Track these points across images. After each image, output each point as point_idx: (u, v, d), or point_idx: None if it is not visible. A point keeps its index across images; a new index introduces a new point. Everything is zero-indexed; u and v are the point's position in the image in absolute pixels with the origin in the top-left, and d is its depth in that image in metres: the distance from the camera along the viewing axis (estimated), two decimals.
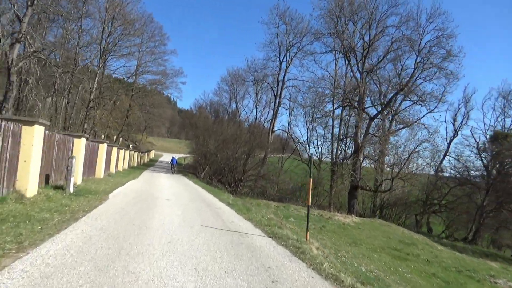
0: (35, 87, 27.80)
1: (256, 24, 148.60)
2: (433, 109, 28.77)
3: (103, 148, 17.84)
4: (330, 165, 40.02)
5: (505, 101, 39.01)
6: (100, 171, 17.29)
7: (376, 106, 30.80)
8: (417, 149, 30.87)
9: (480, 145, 34.09)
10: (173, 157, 39.90)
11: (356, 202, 31.47)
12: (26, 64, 24.46)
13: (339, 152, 39.26)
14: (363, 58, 31.18)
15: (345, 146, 40.17)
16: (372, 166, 34.98)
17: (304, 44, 43.80)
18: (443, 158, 37.51)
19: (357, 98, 31.01)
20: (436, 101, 27.90)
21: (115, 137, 42.83)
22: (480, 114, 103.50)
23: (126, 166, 29.77)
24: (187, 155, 54.24)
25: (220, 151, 34.87)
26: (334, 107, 36.96)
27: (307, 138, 46.60)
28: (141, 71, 41.88)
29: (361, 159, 31.20)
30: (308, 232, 6.92)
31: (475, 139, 39.79)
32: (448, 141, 39.01)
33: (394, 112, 30.50)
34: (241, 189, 33.80)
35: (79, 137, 12.80)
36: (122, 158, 26.42)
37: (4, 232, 4.92)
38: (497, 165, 29.36)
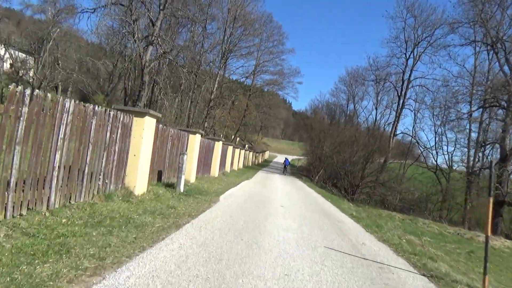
0: (163, 87, 29.59)
1: (378, 18, 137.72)
2: None
3: (218, 146, 17.59)
4: (464, 175, 34.50)
5: None
6: (215, 170, 17.03)
7: None
8: None
9: None
10: (286, 158, 39.69)
11: (502, 220, 26.14)
12: (156, 65, 26.18)
13: (476, 160, 33.45)
14: None
15: (483, 154, 34.19)
16: None
17: (435, 38, 38.87)
18: None
19: (505, 98, 25.69)
20: None
21: (232, 136, 44.02)
22: None
23: (241, 166, 29.84)
24: (301, 157, 53.21)
25: (336, 154, 32.77)
26: (473, 108, 31.60)
27: (435, 143, 41.28)
28: (259, 71, 42.24)
29: (510, 170, 25.78)
30: (487, 277, 4.73)
31: None
32: None
33: None
34: (358, 196, 31.19)
35: (194, 133, 12.40)
36: (238, 157, 26.40)
37: (92, 241, 4.07)
38: None
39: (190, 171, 11.67)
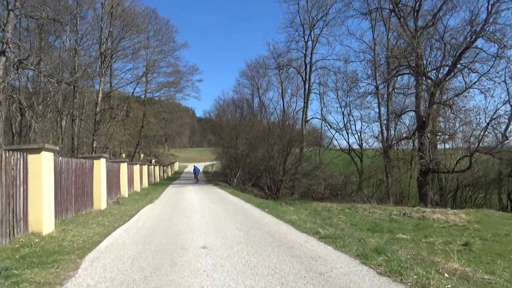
0: (28, 106, 23.47)
1: (272, 4, 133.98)
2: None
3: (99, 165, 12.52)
4: (380, 151, 34.10)
5: None
6: (99, 200, 11.85)
7: (439, 69, 24.55)
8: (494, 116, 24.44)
9: None
10: (194, 166, 36.58)
11: (429, 189, 25.44)
12: (15, 79, 20.10)
13: (391, 134, 33.05)
14: (415, 13, 25.16)
15: (396, 126, 34.07)
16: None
17: (331, 18, 38.10)
18: (508, 124, 30.30)
19: (413, 63, 24.93)
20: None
21: (134, 153, 38.21)
22: None
23: (146, 184, 24.81)
24: (214, 162, 49.30)
25: (253, 151, 29.57)
26: (379, 82, 31.00)
27: (345, 124, 40.81)
28: (151, 73, 37.06)
29: (429, 136, 25.16)
30: None
31: None
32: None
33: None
34: (283, 191, 28.44)
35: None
36: (138, 176, 21.38)
37: None
38: None
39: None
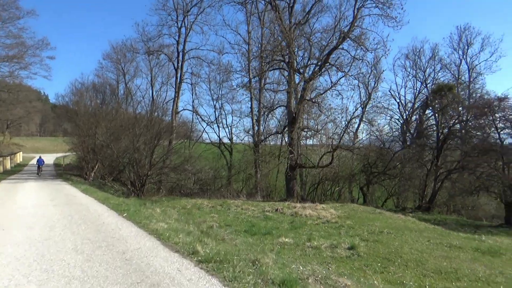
0: None
1: None
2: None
3: None
4: (250, 146, 34.15)
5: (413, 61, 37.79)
6: None
7: (307, 67, 25.20)
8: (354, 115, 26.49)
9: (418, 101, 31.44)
10: (40, 157, 31.69)
11: (296, 184, 26.08)
12: None
13: (262, 129, 33.26)
14: (290, 9, 25.37)
15: (266, 121, 34.54)
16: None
17: (205, 5, 36.39)
18: (359, 124, 34.02)
19: (285, 59, 25.11)
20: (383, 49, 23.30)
21: None
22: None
23: None
24: (67, 154, 42.83)
25: (115, 142, 26.08)
26: (251, 75, 30.81)
27: (216, 118, 39.87)
28: None
29: (298, 132, 25.76)
30: None
31: (396, 98, 37.94)
32: (362, 106, 35.42)
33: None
34: (148, 187, 25.84)
35: None
36: None
37: None
38: (446, 121, 26.55)
39: None
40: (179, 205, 17.14)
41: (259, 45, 29.91)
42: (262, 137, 30.82)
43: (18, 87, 37.01)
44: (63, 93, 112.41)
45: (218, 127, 39.36)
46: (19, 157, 57.77)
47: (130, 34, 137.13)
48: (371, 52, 22.82)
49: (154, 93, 43.13)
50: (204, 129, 42.30)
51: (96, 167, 28.24)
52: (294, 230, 10.85)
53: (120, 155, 26.31)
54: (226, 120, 41.29)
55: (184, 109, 41.84)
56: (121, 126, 28.16)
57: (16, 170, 36.31)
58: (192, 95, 42.00)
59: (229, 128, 38.38)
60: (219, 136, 39.36)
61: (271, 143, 34.20)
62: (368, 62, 26.01)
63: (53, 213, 8.77)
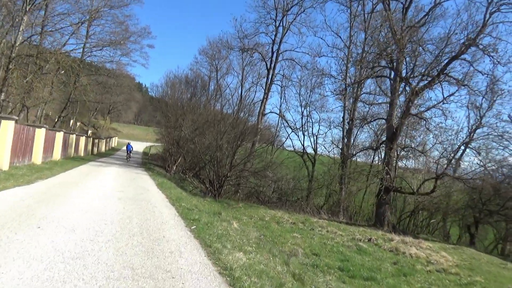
0: None
1: None
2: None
3: None
4: (336, 159, 31.44)
5: None
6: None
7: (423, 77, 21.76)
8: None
9: None
10: (128, 143, 32.89)
11: (388, 210, 22.79)
12: None
13: (353, 142, 30.32)
14: (404, 10, 22.33)
15: (356, 135, 31.45)
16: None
17: (307, 5, 34.55)
18: (464, 151, 28.35)
19: (393, 65, 22.11)
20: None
21: (57, 117, 32.25)
22: None
23: (58, 156, 19.78)
24: (156, 144, 44.16)
25: (199, 137, 25.45)
26: (347, 82, 28.09)
27: (302, 125, 37.70)
28: (94, 26, 31.09)
29: (397, 151, 22.54)
30: None
31: None
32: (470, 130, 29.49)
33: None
34: (226, 188, 24.66)
35: None
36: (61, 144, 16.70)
37: None
38: None
39: None
40: (257, 215, 15.39)
41: (361, 49, 27.11)
42: (352, 152, 27.90)
43: (120, 74, 38.86)
44: (157, 83, 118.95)
45: (304, 135, 37.21)
46: (115, 142, 62.02)
47: (226, 28, 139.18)
48: (503, 65, 18.80)
49: (243, 92, 42.48)
50: (289, 135, 40.44)
51: (179, 160, 27.97)
52: (403, 277, 8.31)
53: (203, 151, 25.58)
54: (312, 128, 38.99)
55: (270, 112, 40.43)
56: (206, 121, 27.54)
57: (108, 154, 38.21)
58: (280, 98, 40.66)
59: (315, 137, 35.99)
60: (303, 145, 37.18)
61: (360, 159, 31.12)
62: (493, 76, 21.91)
63: (112, 211, 7.44)
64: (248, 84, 43.01)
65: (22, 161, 13.66)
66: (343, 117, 30.26)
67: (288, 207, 23.94)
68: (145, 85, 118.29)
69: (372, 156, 29.95)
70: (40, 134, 15.50)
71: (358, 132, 31.60)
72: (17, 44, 21.62)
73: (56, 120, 30.98)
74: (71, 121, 61.57)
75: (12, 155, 12.24)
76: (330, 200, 30.11)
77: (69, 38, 26.46)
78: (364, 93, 30.20)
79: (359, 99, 29.27)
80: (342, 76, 28.54)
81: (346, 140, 29.95)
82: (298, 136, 36.86)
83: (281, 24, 36.61)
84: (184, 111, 27.22)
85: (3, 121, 11.52)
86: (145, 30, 33.90)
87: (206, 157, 26.22)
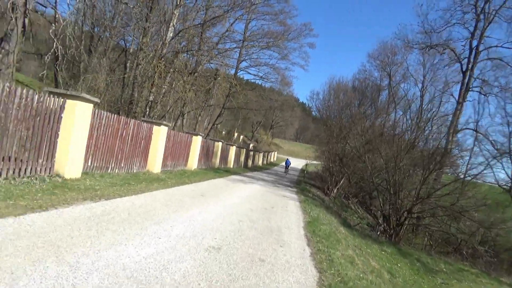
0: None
1: None
2: None
3: None
4: None
5: None
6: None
7: None
8: None
9: None
10: (287, 159, 34.43)
11: None
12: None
13: None
14: None
15: None
16: None
17: None
18: None
19: None
20: None
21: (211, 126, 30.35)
22: None
23: (195, 166, 16.28)
24: (314, 162, 39.07)
25: (370, 154, 19.00)
26: None
27: (510, 149, 26.72)
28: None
29: None
30: None
31: None
32: None
33: None
34: (406, 229, 17.50)
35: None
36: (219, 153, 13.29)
37: None
38: None
39: None
40: None
41: None
42: None
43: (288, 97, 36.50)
44: (316, 90, 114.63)
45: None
46: (274, 156, 60.07)
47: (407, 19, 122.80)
48: None
49: (423, 102, 33.67)
50: (489, 162, 29.54)
51: (341, 182, 21.95)
52: None
53: (374, 173, 18.96)
54: None
55: (464, 128, 30.46)
56: (380, 135, 20.91)
57: (264, 168, 35.00)
58: (478, 110, 30.31)
59: None
60: (510, 177, 26.20)
61: None
62: None
63: (213, 264, 2.34)
64: (430, 92, 34.03)
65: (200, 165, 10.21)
66: None
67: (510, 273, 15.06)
68: (308, 104, 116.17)
69: None
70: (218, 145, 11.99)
71: None
72: (166, 41, 19.31)
73: (210, 128, 29.06)
74: (235, 134, 62.63)
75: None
76: None
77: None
78: None
79: None
80: None
81: None
82: (501, 163, 26.03)
83: (482, 11, 27.16)
84: (352, 120, 21.15)
85: (155, 126, 11.25)
86: (306, 26, 29.42)
87: (378, 180, 19.62)
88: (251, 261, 4.40)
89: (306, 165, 34.74)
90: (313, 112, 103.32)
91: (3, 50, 10.69)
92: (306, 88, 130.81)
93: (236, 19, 24.15)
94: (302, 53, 35.76)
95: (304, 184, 22.91)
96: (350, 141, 20.41)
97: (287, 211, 9.75)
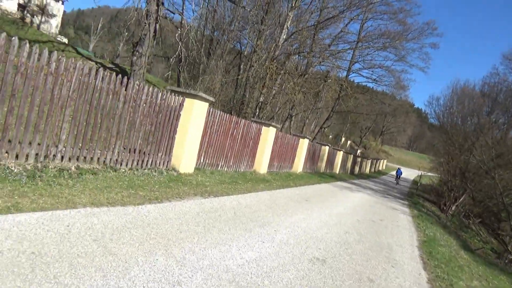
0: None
1: None
2: None
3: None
4: None
5: None
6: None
7: None
8: None
9: None
10: (399, 168, 33.56)
11: None
12: None
13: None
14: None
15: None
16: None
17: None
18: None
19: None
20: None
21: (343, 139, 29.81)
22: None
23: (300, 169, 16.08)
24: (429, 173, 35.54)
25: (501, 169, 16.56)
26: None
27: None
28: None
29: None
30: None
31: None
32: None
33: None
34: None
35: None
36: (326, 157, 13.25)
37: None
38: None
39: None
40: None
41: None
42: None
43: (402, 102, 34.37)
44: (436, 94, 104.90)
45: None
46: (383, 165, 56.75)
47: None
48: None
49: None
50: None
51: (462, 198, 19.55)
52: None
53: (504, 191, 16.40)
54: None
55: None
56: None
57: (371, 176, 33.23)
58: None
59: None
60: None
61: None
62: None
63: (317, 277, 2.75)
64: None
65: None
66: None
67: None
68: (425, 110, 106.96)
69: None
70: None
71: None
72: (279, 43, 19.52)
73: (317, 131, 28.62)
74: (342, 139, 60.94)
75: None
76: None
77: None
78: None
79: None
80: None
81: None
82: None
83: None
84: (479, 129, 18.67)
85: (264, 127, 11.52)
86: (429, 25, 26.85)
87: (509, 201, 16.97)
88: (359, 280, 4.00)
89: (420, 176, 31.76)
90: (430, 119, 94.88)
91: (137, 53, 12.06)
92: (423, 92, 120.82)
93: (351, 20, 23.34)
94: (422, 54, 31.80)
95: (416, 197, 20.99)
96: (476, 153, 17.98)
97: (398, 226, 8.89)
